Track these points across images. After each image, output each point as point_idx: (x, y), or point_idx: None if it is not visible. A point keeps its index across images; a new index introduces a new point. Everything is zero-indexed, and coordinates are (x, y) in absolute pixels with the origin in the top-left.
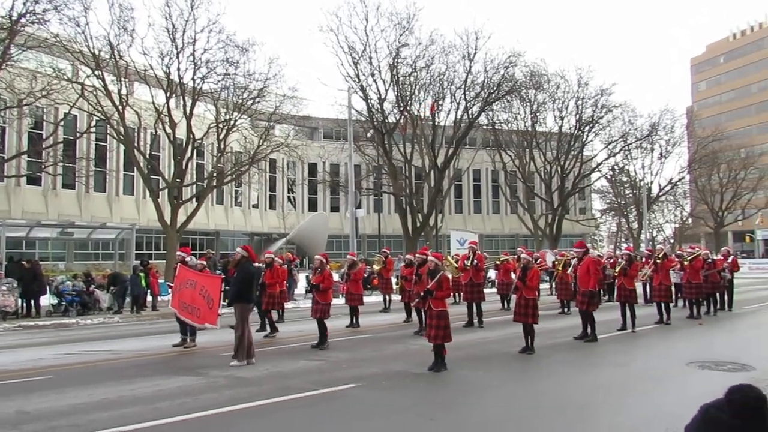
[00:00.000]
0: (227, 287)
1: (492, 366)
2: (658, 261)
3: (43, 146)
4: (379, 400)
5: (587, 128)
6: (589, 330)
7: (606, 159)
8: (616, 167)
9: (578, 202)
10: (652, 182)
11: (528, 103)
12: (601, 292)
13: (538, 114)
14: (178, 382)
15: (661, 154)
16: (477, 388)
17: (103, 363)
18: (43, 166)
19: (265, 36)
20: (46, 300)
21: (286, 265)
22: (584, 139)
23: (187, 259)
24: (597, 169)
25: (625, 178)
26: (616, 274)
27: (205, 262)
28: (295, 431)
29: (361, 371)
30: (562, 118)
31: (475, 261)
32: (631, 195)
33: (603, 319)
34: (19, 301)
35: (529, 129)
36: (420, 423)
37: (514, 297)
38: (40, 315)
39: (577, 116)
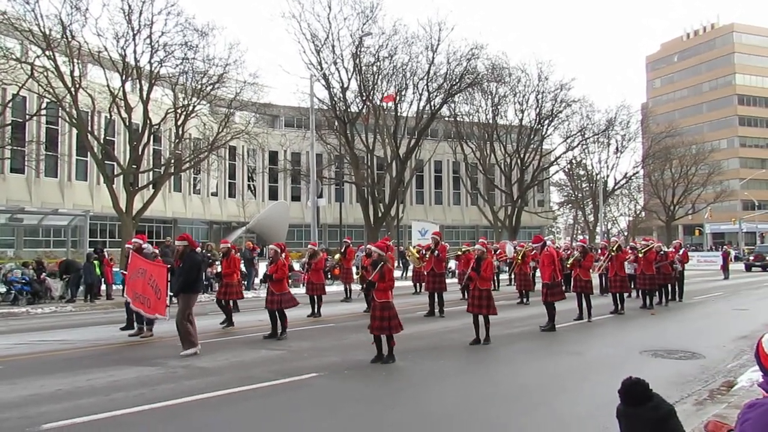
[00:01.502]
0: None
1: (452, 355)
2: (613, 253)
3: None
4: (342, 390)
5: (547, 122)
6: (549, 321)
7: (564, 152)
8: (573, 161)
9: (537, 195)
10: (608, 176)
11: (489, 96)
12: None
13: (499, 107)
14: (135, 373)
15: (617, 148)
16: (437, 377)
17: (56, 353)
18: None
19: (225, 20)
20: None
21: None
22: (544, 133)
23: (144, 246)
24: (555, 163)
25: (582, 172)
26: (569, 265)
27: (157, 251)
28: (257, 421)
29: (323, 360)
30: (522, 112)
31: (437, 252)
32: (587, 188)
33: (559, 309)
34: None
35: (491, 121)
36: (381, 412)
37: None
38: None
39: (537, 110)
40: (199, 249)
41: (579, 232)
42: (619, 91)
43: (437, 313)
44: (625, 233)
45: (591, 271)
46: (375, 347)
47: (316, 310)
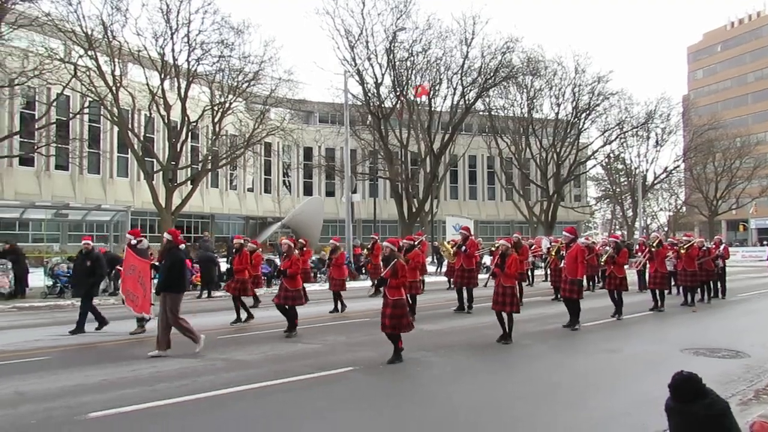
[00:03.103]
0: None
1: (484, 351)
2: (653, 249)
3: (36, 127)
4: (377, 384)
5: (584, 115)
6: (570, 318)
7: (602, 146)
8: (611, 155)
9: (573, 189)
10: (647, 170)
11: (525, 90)
12: (596, 278)
13: (534, 100)
14: (176, 364)
15: (656, 142)
16: (470, 373)
17: (101, 345)
18: (35, 147)
19: (260, 18)
20: (41, 282)
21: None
22: (580, 126)
23: (134, 242)
24: (593, 157)
25: (620, 166)
26: (603, 262)
27: (148, 246)
28: (293, 414)
29: (358, 355)
30: (558, 105)
31: (464, 247)
32: (626, 183)
33: (593, 306)
34: (12, 282)
35: (526, 115)
36: (414, 406)
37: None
38: (25, 296)
39: (574, 103)
40: (183, 246)
41: (617, 227)
42: (658, 83)
43: (466, 309)
44: (665, 229)
45: (627, 267)
46: (414, 342)
47: (340, 305)
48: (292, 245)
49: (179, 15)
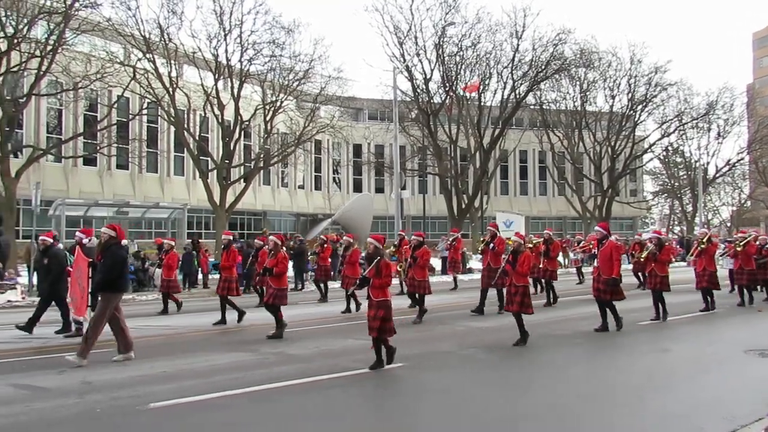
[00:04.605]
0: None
1: (532, 351)
2: (703, 245)
3: (98, 128)
4: (424, 381)
5: (640, 107)
6: (609, 320)
7: (659, 139)
8: (670, 148)
9: (629, 184)
10: (708, 163)
11: (577, 82)
12: (640, 277)
13: (588, 93)
14: (231, 358)
15: (718, 133)
16: (521, 371)
17: (160, 338)
18: (98, 147)
19: (309, 17)
20: None
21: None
22: (636, 119)
23: (85, 240)
24: (650, 150)
25: (679, 159)
26: (643, 258)
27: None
28: (345, 408)
29: (407, 352)
30: (613, 97)
31: (493, 245)
32: (685, 176)
33: (631, 307)
34: None
35: (579, 108)
36: (464, 404)
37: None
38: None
39: (630, 95)
40: (125, 242)
41: (675, 223)
42: (721, 72)
43: (497, 310)
44: (728, 224)
45: (686, 264)
46: (463, 339)
47: (353, 307)
48: (279, 243)
49: (232, 16)
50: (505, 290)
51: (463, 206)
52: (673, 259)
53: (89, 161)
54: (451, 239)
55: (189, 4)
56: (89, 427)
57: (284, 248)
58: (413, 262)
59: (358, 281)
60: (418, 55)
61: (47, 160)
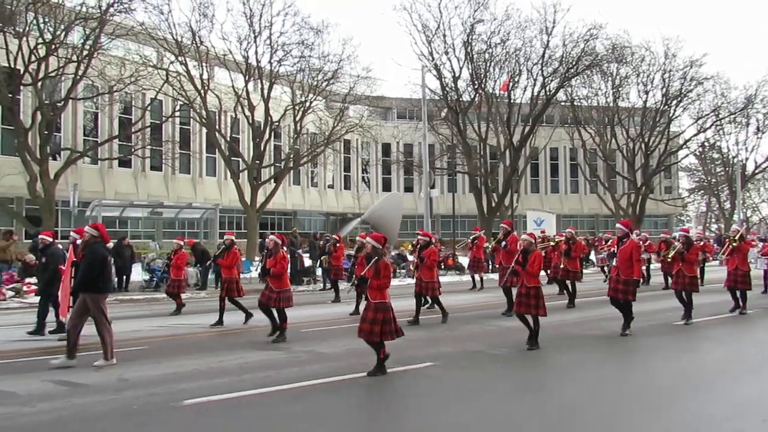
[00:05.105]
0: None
1: (568, 349)
2: (734, 244)
3: (133, 130)
4: (457, 380)
5: (674, 102)
6: (624, 320)
7: (695, 135)
8: (706, 143)
9: (664, 181)
10: (746, 159)
11: (609, 78)
12: (668, 278)
13: (620, 89)
14: (262, 356)
15: (757, 128)
16: (555, 370)
17: (192, 336)
18: (132, 149)
19: (338, 17)
20: (138, 276)
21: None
22: (671, 114)
23: (79, 241)
24: (685, 146)
25: (716, 155)
26: (670, 258)
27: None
28: (377, 406)
29: (438, 350)
30: (646, 93)
31: (505, 243)
32: (722, 173)
33: (655, 309)
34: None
35: (611, 105)
36: (498, 404)
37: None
38: (128, 290)
39: (664, 90)
40: (111, 243)
41: (713, 220)
42: (759, 66)
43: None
44: None
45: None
46: (494, 338)
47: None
48: (279, 242)
49: (262, 18)
50: (514, 291)
51: (493, 205)
52: (710, 258)
53: (124, 163)
54: (472, 237)
55: (220, 7)
56: (128, 423)
57: (284, 248)
58: (420, 262)
59: (356, 280)
60: (446, 53)
61: (84, 162)
